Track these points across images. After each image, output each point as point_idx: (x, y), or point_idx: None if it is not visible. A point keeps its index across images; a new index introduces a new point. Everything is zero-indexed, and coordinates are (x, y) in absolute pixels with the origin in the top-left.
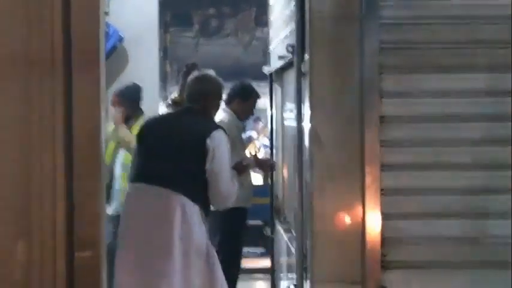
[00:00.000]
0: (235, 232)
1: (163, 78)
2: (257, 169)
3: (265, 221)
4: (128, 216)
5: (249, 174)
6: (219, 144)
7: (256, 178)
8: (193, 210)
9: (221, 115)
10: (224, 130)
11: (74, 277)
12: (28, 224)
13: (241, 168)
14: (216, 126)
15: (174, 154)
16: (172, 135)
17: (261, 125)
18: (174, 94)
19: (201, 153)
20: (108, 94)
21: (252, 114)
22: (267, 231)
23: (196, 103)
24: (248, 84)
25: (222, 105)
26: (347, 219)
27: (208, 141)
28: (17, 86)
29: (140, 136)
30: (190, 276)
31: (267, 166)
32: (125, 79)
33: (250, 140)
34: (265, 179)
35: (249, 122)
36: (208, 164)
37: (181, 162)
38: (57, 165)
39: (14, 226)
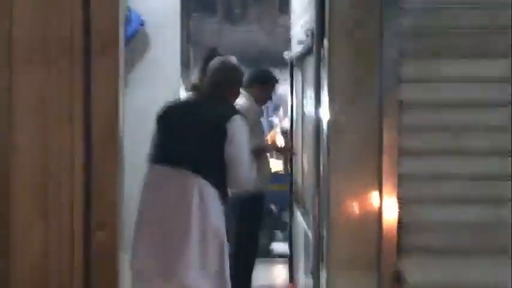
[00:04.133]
0: (253, 217)
1: (186, 64)
2: (277, 154)
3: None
4: (146, 197)
5: (268, 160)
6: (238, 128)
7: (276, 165)
8: (211, 192)
9: (240, 99)
10: (243, 115)
11: (90, 258)
12: (46, 204)
13: (259, 151)
14: (236, 112)
15: (193, 137)
16: (192, 119)
17: (281, 111)
18: (194, 78)
19: (220, 137)
20: (129, 78)
21: (270, 99)
22: (286, 217)
23: (216, 88)
24: (266, 69)
25: (241, 90)
26: (364, 205)
27: (227, 125)
28: (36, 68)
29: (159, 119)
30: (208, 258)
31: (286, 151)
32: (146, 64)
33: (271, 125)
34: (284, 166)
35: (270, 109)
36: (227, 148)
37: (201, 146)
38: (75, 146)
39: (32, 206)
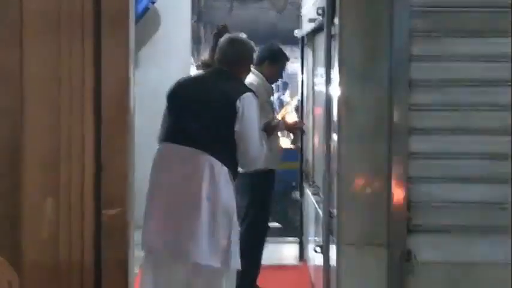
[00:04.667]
0: (263, 195)
1: (197, 42)
2: (287, 132)
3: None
4: (157, 176)
5: (278, 137)
6: (248, 106)
7: (285, 142)
8: (222, 171)
9: (250, 77)
10: (254, 93)
11: (101, 235)
12: (57, 182)
13: (270, 129)
14: (246, 89)
15: (203, 115)
16: (202, 97)
17: (288, 91)
18: (205, 55)
19: (230, 114)
20: (139, 56)
21: (281, 77)
22: (296, 194)
23: (226, 65)
24: (277, 46)
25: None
26: (374, 183)
27: (238, 103)
28: (48, 46)
29: (170, 97)
30: (218, 235)
31: (296, 129)
32: (156, 41)
33: (281, 103)
34: (294, 143)
35: (280, 87)
36: (237, 125)
37: (211, 123)
38: (86, 125)
39: (43, 184)
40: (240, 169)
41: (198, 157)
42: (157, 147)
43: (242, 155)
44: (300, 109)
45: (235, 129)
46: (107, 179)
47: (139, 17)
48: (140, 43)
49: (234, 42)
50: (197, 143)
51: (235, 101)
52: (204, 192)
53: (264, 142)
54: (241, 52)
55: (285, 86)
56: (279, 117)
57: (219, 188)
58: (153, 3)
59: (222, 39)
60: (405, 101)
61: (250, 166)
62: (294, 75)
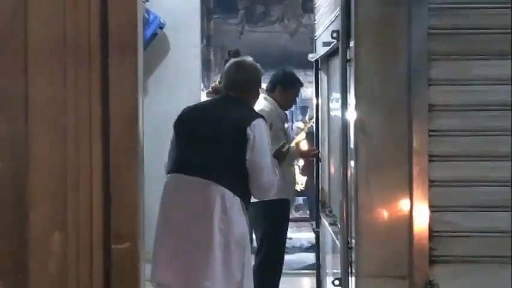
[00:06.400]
0: (278, 225)
1: (207, 67)
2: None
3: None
4: (166, 208)
5: (293, 166)
6: (259, 133)
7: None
8: (234, 201)
9: (262, 104)
10: (264, 119)
11: (110, 270)
12: (65, 215)
13: (280, 155)
14: (256, 115)
15: (212, 144)
16: (211, 124)
17: (307, 115)
18: (216, 82)
19: (240, 142)
20: (148, 83)
21: (295, 103)
22: (313, 224)
23: (234, 91)
24: (290, 71)
25: (263, 93)
26: (393, 212)
27: (248, 130)
28: (54, 73)
29: (177, 125)
30: (231, 268)
31: (310, 155)
32: (165, 67)
33: (296, 132)
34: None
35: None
36: (248, 153)
37: (220, 152)
38: (94, 155)
39: (50, 217)
40: (252, 198)
41: (209, 188)
42: (166, 178)
43: (254, 184)
44: (315, 135)
45: (247, 157)
46: (116, 212)
47: (147, 43)
48: (149, 69)
49: (240, 66)
50: (207, 173)
51: (246, 128)
52: (216, 224)
53: (277, 170)
54: (249, 76)
55: (303, 111)
56: (293, 144)
57: (231, 219)
58: (162, 28)
59: (228, 64)
60: (425, 126)
61: (263, 195)
62: (308, 100)
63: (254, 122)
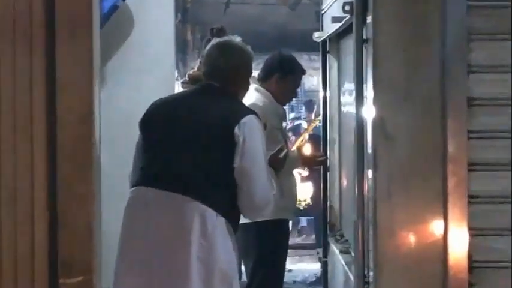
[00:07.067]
0: (274, 252)
1: (183, 49)
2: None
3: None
4: (130, 232)
5: (293, 176)
6: (250, 133)
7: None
8: (217, 222)
9: (253, 97)
10: (257, 115)
11: None
12: None
13: (277, 162)
14: (246, 111)
15: (190, 148)
16: (187, 123)
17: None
18: (194, 69)
19: (226, 146)
20: (105, 71)
21: (295, 96)
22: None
23: (217, 80)
24: (290, 55)
25: (255, 83)
26: (422, 236)
27: (236, 129)
28: None
29: (144, 125)
30: None
31: (316, 163)
32: (129, 50)
33: (298, 131)
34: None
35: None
36: (236, 160)
37: (200, 159)
38: (36, 165)
39: None
40: (242, 218)
41: (185, 206)
42: (129, 193)
43: (245, 199)
44: (321, 137)
45: (235, 165)
46: (65, 238)
47: (105, 19)
48: (107, 53)
49: (225, 48)
50: (183, 187)
51: (233, 127)
52: (194, 252)
53: (273, 181)
54: (236, 61)
55: (308, 106)
56: (293, 148)
57: (214, 245)
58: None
59: (209, 46)
60: (463, 126)
61: (256, 215)
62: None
63: (243, 120)
